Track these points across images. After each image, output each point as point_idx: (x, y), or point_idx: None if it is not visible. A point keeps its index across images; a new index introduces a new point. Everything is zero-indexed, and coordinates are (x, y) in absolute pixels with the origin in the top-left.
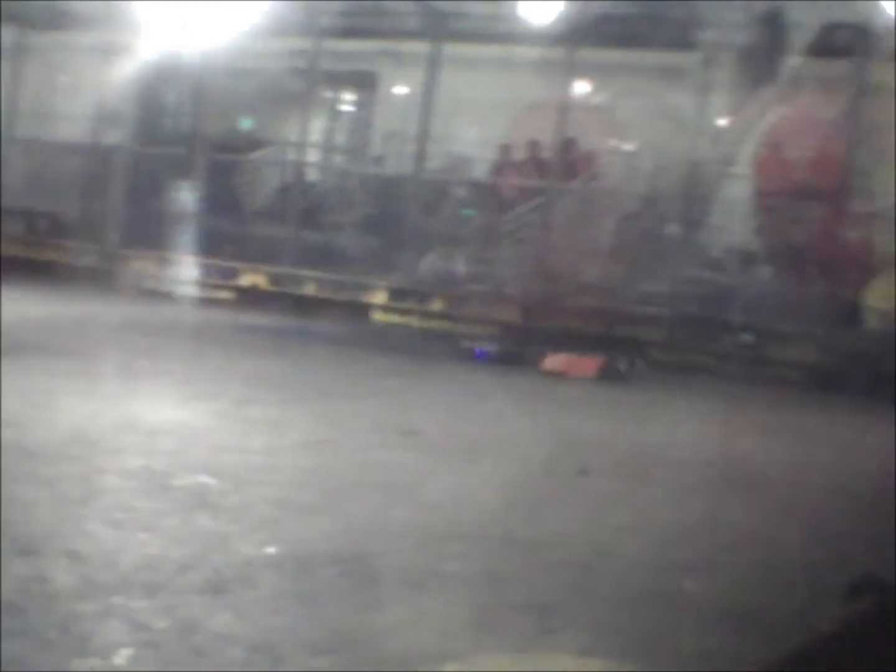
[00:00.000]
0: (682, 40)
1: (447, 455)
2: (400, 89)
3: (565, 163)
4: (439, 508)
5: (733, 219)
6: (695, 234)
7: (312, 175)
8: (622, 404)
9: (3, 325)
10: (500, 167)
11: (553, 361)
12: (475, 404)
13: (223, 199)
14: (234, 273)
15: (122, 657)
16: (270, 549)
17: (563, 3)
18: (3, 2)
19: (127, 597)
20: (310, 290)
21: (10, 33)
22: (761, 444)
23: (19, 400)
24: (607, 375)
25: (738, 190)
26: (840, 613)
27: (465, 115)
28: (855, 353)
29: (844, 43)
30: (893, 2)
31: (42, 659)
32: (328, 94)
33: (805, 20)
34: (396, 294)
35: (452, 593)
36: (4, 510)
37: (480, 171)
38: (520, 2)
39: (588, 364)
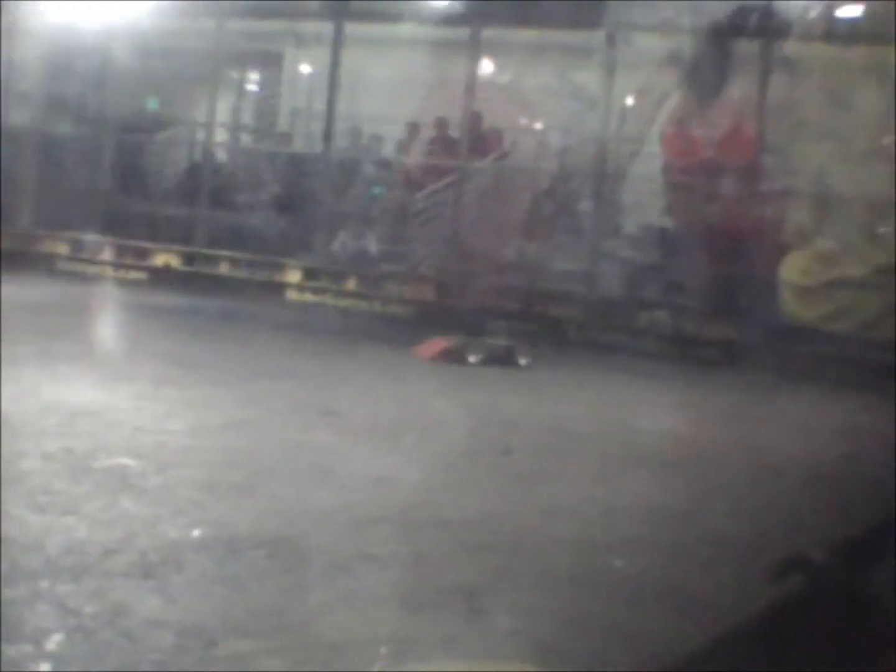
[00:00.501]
0: (586, 18)
1: (368, 435)
2: (305, 68)
3: (474, 141)
4: (363, 490)
5: (646, 196)
6: (608, 211)
7: (221, 155)
8: (538, 382)
9: None
10: (408, 145)
11: (426, 347)
12: (393, 384)
13: (133, 179)
14: (146, 253)
15: (53, 643)
16: (196, 532)
17: None
18: None
19: (54, 581)
20: (223, 269)
21: None
22: (677, 422)
23: None
24: (492, 360)
25: (649, 167)
26: (768, 593)
27: (372, 94)
28: (770, 330)
29: (754, 22)
30: None
31: None
32: (234, 73)
33: None
34: (310, 273)
35: (379, 575)
36: None
37: (389, 150)
38: None
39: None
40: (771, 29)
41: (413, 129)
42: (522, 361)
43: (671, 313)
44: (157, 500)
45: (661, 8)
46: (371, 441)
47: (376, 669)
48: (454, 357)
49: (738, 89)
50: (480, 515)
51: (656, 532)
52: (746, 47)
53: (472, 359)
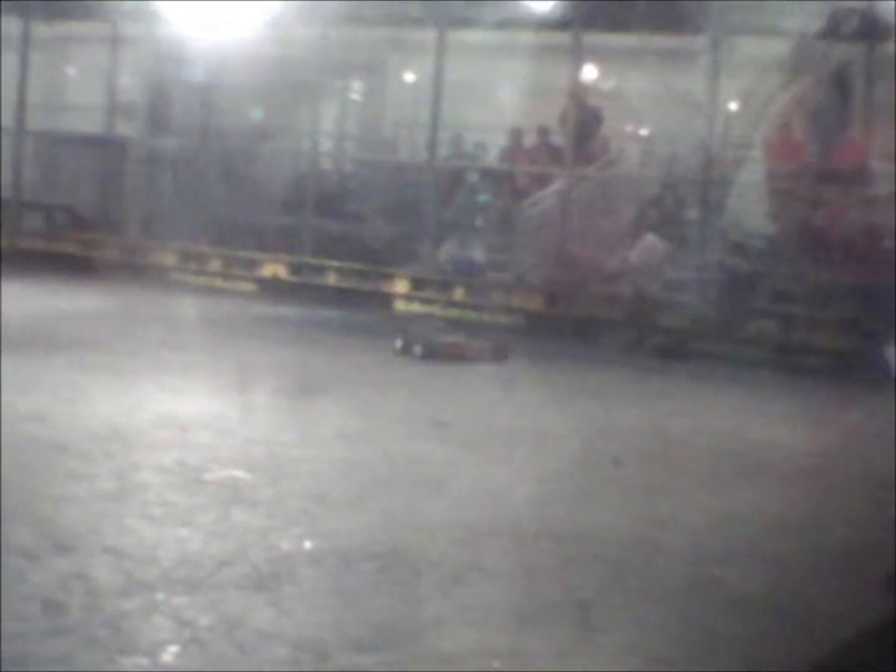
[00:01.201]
0: (690, 22)
1: (479, 447)
2: (409, 77)
3: (580, 148)
4: (475, 502)
5: (751, 203)
6: (714, 219)
7: (326, 164)
8: (647, 394)
9: (28, 320)
10: (512, 153)
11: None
12: (503, 395)
13: (239, 189)
14: (254, 264)
15: (168, 654)
16: (308, 544)
17: None
18: None
19: (169, 593)
20: (331, 280)
21: (16, 25)
22: (786, 433)
23: (50, 396)
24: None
25: (754, 173)
26: (882, 606)
27: (475, 101)
28: (880, 338)
29: (855, 26)
30: None
31: (88, 657)
32: (338, 83)
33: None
34: (417, 283)
35: (492, 588)
36: (42, 507)
37: (493, 158)
38: None
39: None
40: (875, 31)
41: (516, 135)
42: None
43: (779, 322)
44: (269, 511)
45: (764, 11)
46: (482, 452)
47: None
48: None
49: (840, 93)
50: (592, 527)
51: (768, 544)
52: (849, 51)
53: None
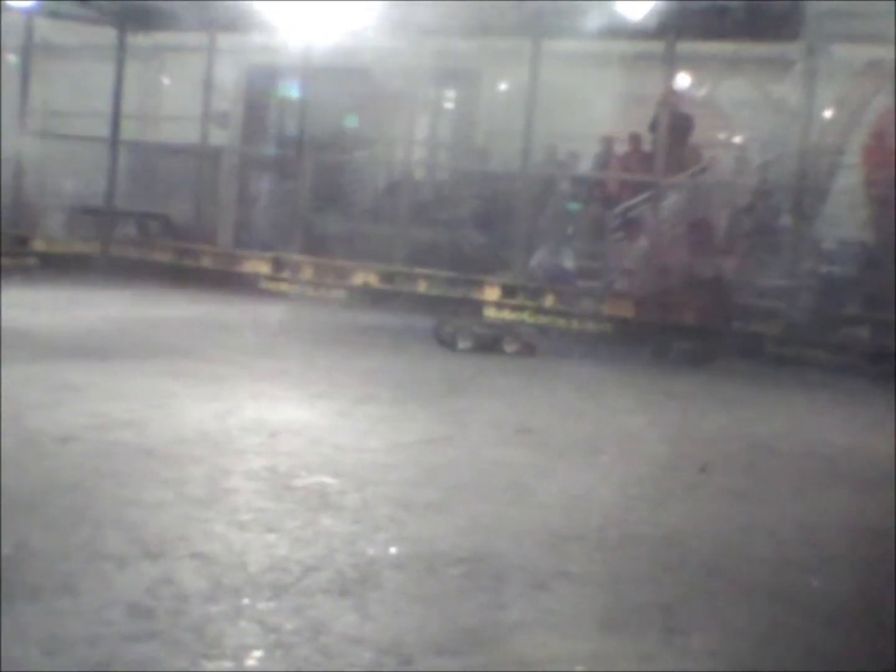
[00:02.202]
0: (784, 30)
1: (564, 453)
2: (502, 86)
3: (672, 156)
4: (560, 507)
5: (845, 210)
6: (808, 226)
7: (419, 173)
8: (736, 399)
9: (121, 327)
10: (604, 161)
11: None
12: (589, 401)
13: (332, 198)
14: (345, 272)
15: (253, 659)
16: (394, 550)
17: None
18: (101, 3)
19: (255, 598)
20: (422, 287)
21: (110, 35)
22: (877, 440)
23: (140, 402)
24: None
25: (849, 180)
26: None
27: (568, 110)
28: None
29: None
30: None
31: (174, 661)
32: (432, 92)
33: None
34: (508, 290)
35: (576, 593)
36: (130, 512)
37: (585, 167)
38: None
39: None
40: None
41: (608, 144)
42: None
43: (871, 328)
44: (355, 517)
45: (859, 18)
46: (567, 458)
47: None
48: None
49: None
50: (677, 532)
51: (855, 551)
52: None
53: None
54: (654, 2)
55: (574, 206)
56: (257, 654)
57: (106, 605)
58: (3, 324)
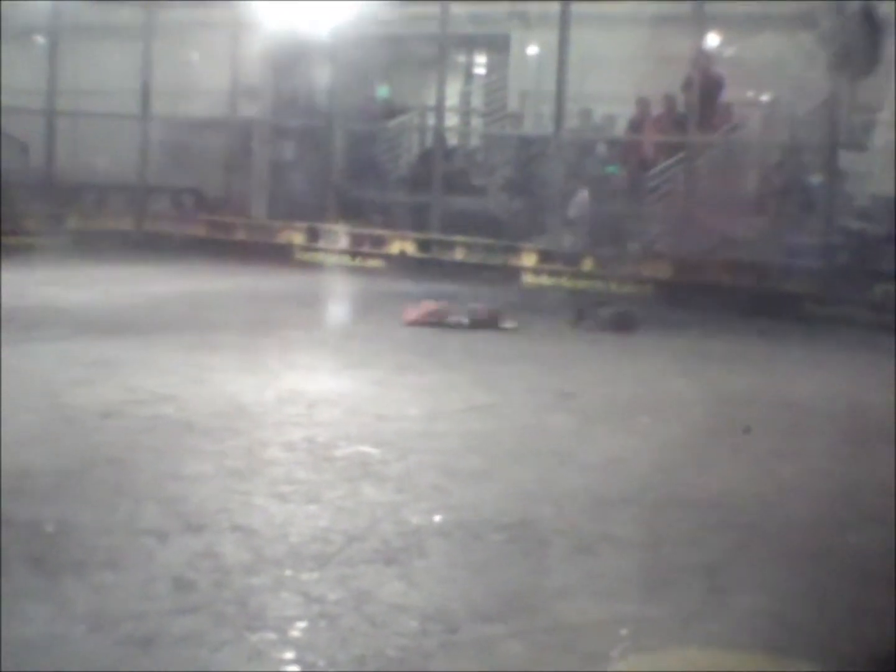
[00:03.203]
0: None
1: (605, 417)
2: (532, 49)
3: (704, 116)
4: (602, 471)
5: (879, 168)
6: (841, 183)
7: (452, 139)
8: (773, 360)
9: (156, 301)
10: (638, 123)
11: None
12: (628, 364)
13: (365, 167)
14: (382, 241)
15: (297, 630)
16: (437, 518)
17: None
18: None
19: (298, 569)
20: (459, 255)
21: (137, 12)
22: None
23: (179, 376)
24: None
25: (881, 138)
26: None
27: (598, 72)
28: None
29: None
30: None
31: (217, 634)
32: (461, 57)
33: None
34: (545, 256)
35: (619, 556)
36: (171, 486)
37: (618, 128)
38: None
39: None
40: None
41: (643, 105)
42: (508, 325)
43: None
44: (398, 486)
45: None
46: (608, 422)
47: (616, 653)
48: (437, 321)
49: None
50: (719, 494)
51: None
52: None
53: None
54: None
55: (611, 169)
56: (301, 625)
57: (149, 580)
58: (40, 301)
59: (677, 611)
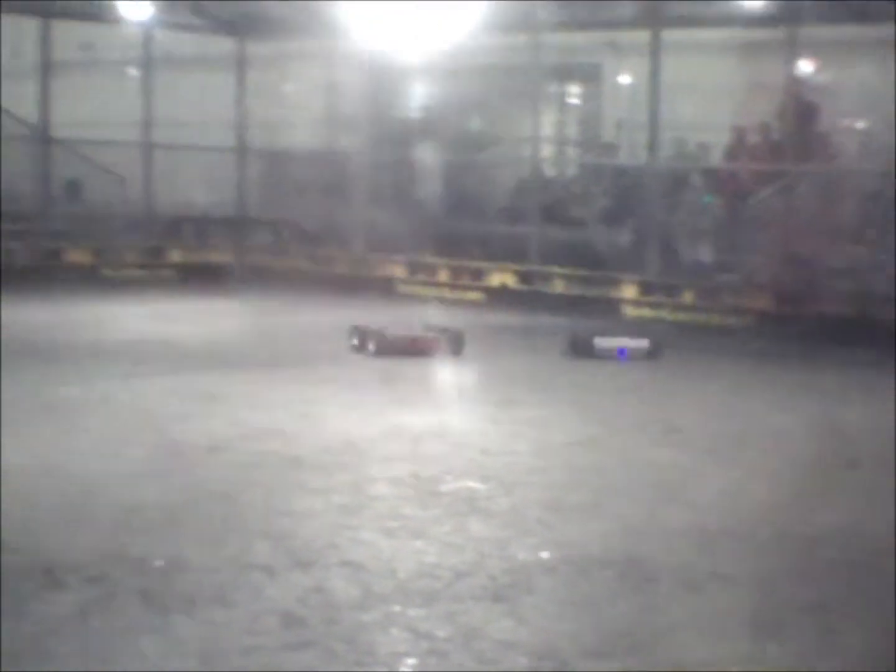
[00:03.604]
0: None
1: (713, 451)
2: (625, 78)
3: (800, 144)
4: (710, 506)
5: None
6: None
7: (548, 170)
8: (880, 391)
9: (257, 335)
10: (734, 152)
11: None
12: (735, 398)
13: (462, 199)
14: (481, 273)
15: (406, 666)
16: (545, 554)
17: None
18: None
19: (407, 605)
20: (558, 287)
21: (230, 44)
22: None
23: (285, 410)
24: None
25: None
26: None
27: (692, 100)
28: None
29: None
30: None
31: (327, 669)
32: (554, 87)
33: None
34: (646, 288)
35: (729, 594)
36: (280, 521)
37: (714, 158)
38: None
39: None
40: None
41: (739, 133)
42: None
43: None
44: (504, 521)
45: None
46: (715, 457)
47: None
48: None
49: None
50: (829, 531)
51: None
52: None
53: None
54: None
55: (707, 199)
56: (411, 661)
57: (259, 615)
58: (143, 335)
59: (787, 650)
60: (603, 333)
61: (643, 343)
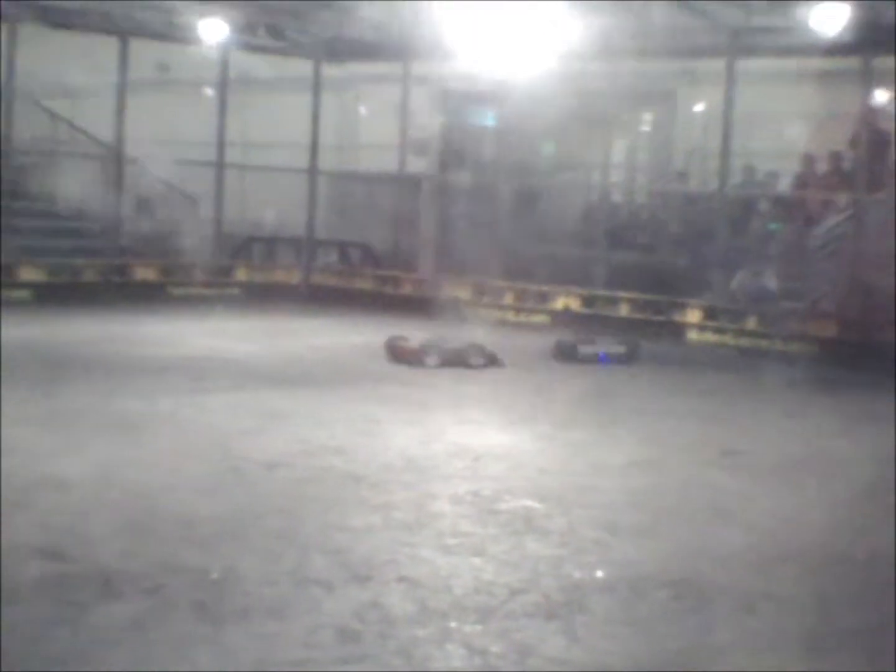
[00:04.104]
0: None
1: (769, 475)
2: (698, 106)
3: (871, 173)
4: (766, 529)
5: None
6: None
7: (617, 196)
8: None
9: (324, 354)
10: (804, 180)
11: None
12: (793, 422)
13: (531, 223)
14: (547, 296)
15: None
16: (600, 573)
17: (855, 10)
18: (295, 35)
19: (462, 621)
20: (623, 311)
21: (306, 67)
22: None
23: (345, 428)
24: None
25: None
26: None
27: (764, 129)
28: None
29: None
30: None
31: None
32: (628, 114)
33: None
34: (710, 313)
35: (783, 616)
36: (338, 537)
37: (783, 185)
38: (812, 11)
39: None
40: None
41: (808, 162)
42: (474, 363)
43: None
44: (561, 540)
45: None
46: (772, 480)
47: None
48: (414, 359)
49: None
50: (885, 554)
51: None
52: None
53: (430, 361)
54: (848, 18)
55: (775, 226)
56: None
57: (314, 629)
58: (209, 352)
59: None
60: (585, 341)
61: (620, 349)
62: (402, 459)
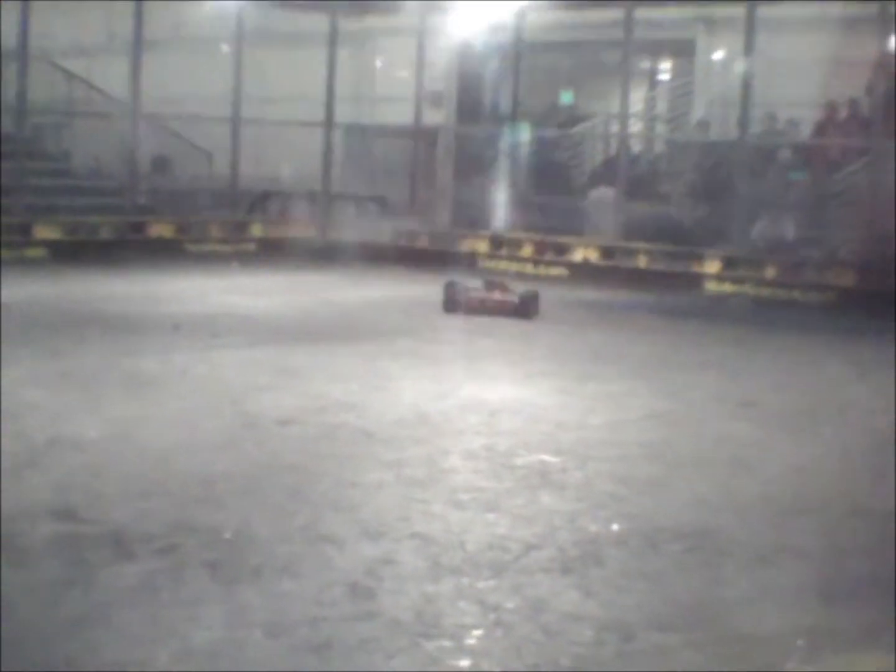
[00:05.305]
0: None
1: (787, 426)
2: (718, 55)
3: (889, 120)
4: (783, 481)
5: None
6: None
7: (636, 146)
8: None
9: (339, 308)
10: (824, 128)
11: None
12: (812, 372)
13: (548, 174)
14: (565, 248)
15: (472, 638)
16: (615, 526)
17: None
18: None
19: (475, 577)
20: (641, 262)
21: (322, 21)
22: None
23: (360, 383)
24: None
25: None
26: None
27: (783, 76)
28: None
29: None
30: None
31: (393, 641)
32: (646, 63)
33: None
34: (729, 263)
35: (799, 568)
36: (351, 493)
37: (803, 133)
38: None
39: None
40: None
41: (829, 110)
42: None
43: None
44: (576, 495)
45: None
46: (790, 431)
47: (791, 665)
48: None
49: None
50: None
51: None
52: None
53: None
54: None
55: (795, 175)
56: (477, 633)
57: (326, 586)
58: (223, 308)
59: (856, 622)
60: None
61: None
62: (415, 415)
